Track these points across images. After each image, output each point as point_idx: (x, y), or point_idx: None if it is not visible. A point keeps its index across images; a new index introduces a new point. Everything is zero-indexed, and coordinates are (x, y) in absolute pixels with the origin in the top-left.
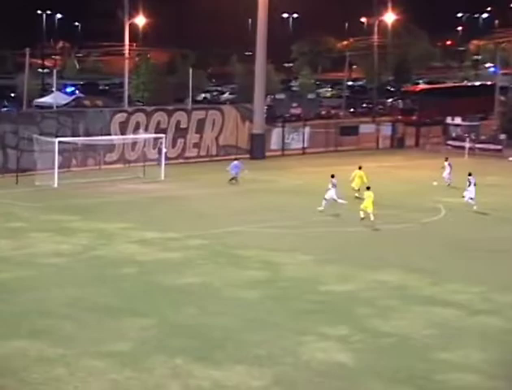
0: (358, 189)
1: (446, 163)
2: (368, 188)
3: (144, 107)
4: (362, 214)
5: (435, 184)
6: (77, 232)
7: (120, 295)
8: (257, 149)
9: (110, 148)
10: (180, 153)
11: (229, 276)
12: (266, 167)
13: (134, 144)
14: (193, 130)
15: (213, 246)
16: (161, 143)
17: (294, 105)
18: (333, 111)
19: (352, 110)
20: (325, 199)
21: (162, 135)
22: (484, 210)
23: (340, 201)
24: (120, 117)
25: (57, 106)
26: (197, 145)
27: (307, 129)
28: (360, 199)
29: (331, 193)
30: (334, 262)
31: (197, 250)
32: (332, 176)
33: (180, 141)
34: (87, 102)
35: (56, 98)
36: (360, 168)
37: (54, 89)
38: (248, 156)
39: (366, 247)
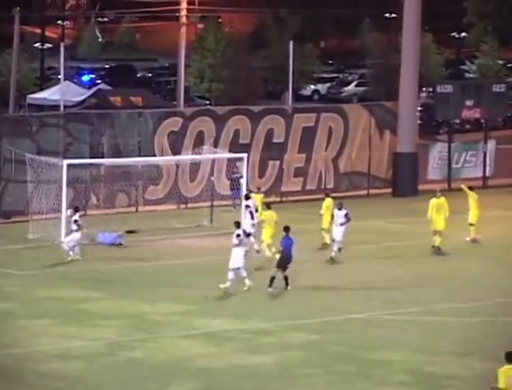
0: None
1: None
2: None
3: (212, 108)
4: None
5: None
6: (98, 319)
7: None
8: (404, 180)
9: (155, 177)
10: (273, 185)
11: None
12: (419, 211)
13: (195, 170)
14: (294, 147)
15: (328, 345)
16: (236, 168)
17: (469, 103)
18: None
19: None
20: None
21: (243, 155)
22: None
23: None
24: (172, 124)
25: (66, 106)
26: (301, 173)
27: (492, 145)
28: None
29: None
30: None
31: (302, 351)
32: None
33: (272, 166)
34: (116, 99)
35: (65, 93)
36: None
37: (61, 78)
38: (389, 191)
39: None
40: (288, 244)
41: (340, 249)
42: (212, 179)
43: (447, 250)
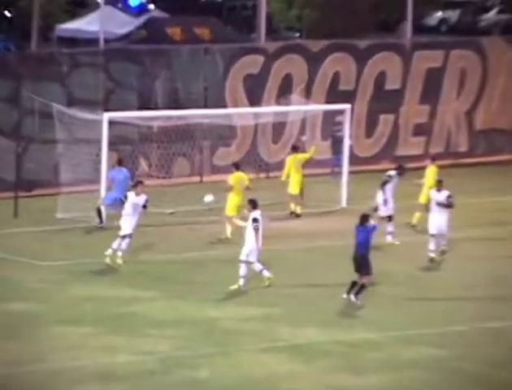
0: None
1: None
2: None
3: (303, 42)
4: None
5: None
6: (150, 327)
7: None
8: None
9: (226, 135)
10: (385, 147)
11: None
12: None
13: (279, 127)
14: (414, 96)
15: (451, 362)
16: (339, 125)
17: None
18: None
19: None
20: None
21: (346, 106)
22: None
23: None
24: (249, 65)
25: (107, 40)
26: (423, 131)
27: None
28: None
29: None
30: None
31: (418, 370)
32: None
33: (384, 122)
34: (174, 31)
35: (105, 22)
36: None
37: (100, 1)
38: None
39: None
40: (360, 237)
41: (443, 252)
42: (303, 139)
43: None
